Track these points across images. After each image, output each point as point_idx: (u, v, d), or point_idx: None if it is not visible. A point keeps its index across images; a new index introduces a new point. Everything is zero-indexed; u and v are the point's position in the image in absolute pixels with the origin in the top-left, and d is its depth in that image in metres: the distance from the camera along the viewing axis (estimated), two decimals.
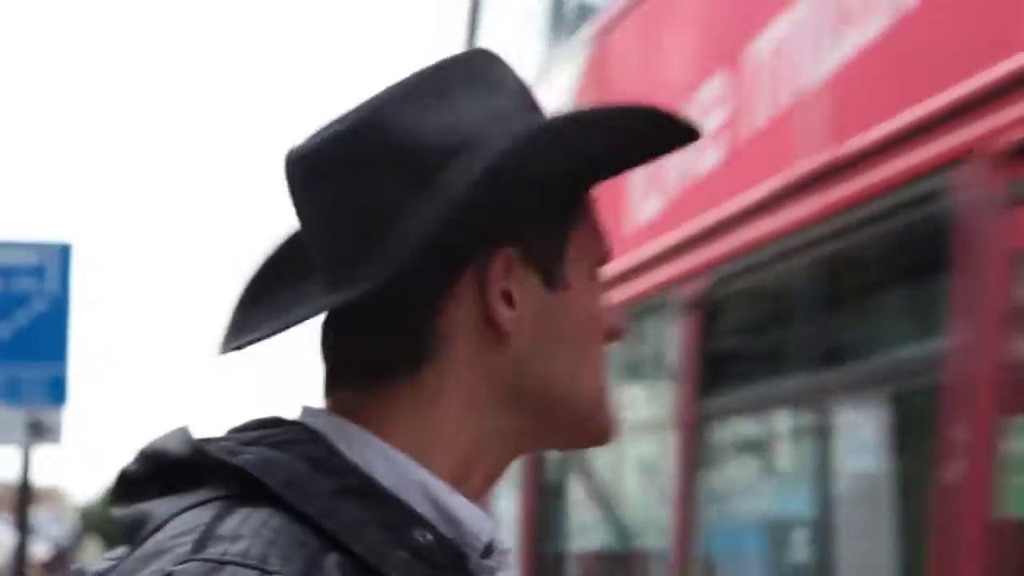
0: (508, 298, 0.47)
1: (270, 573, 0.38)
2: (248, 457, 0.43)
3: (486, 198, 0.44)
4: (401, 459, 0.45)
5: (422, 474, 0.45)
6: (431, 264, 0.45)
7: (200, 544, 0.39)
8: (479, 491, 0.50)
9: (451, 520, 0.45)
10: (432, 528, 0.44)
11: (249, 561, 0.38)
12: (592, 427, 0.52)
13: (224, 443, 0.45)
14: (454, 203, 0.43)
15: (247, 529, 0.39)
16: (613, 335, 0.53)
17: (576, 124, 0.52)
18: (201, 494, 0.43)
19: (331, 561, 0.40)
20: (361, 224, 0.46)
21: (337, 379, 0.48)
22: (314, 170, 0.47)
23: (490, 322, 0.47)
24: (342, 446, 0.45)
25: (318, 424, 0.46)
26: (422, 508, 0.45)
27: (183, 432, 0.47)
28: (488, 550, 0.48)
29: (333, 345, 0.48)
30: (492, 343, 0.48)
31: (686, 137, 0.55)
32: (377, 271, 0.43)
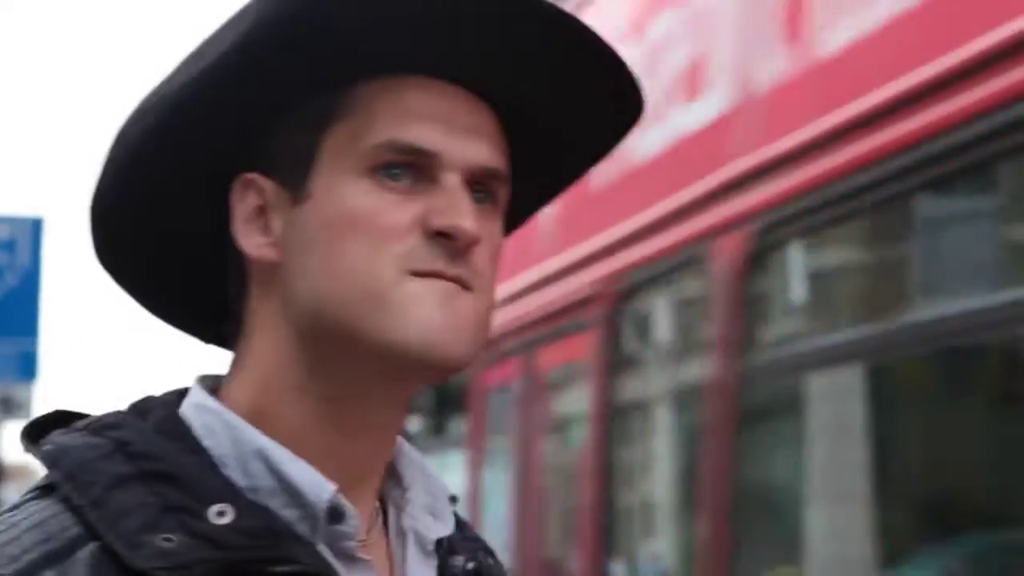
0: (265, 219, 0.45)
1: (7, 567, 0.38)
2: (49, 447, 0.43)
3: (192, 127, 0.45)
4: (240, 426, 0.43)
5: (262, 441, 0.43)
6: (173, 193, 0.46)
7: None
8: (333, 434, 0.45)
9: (290, 489, 0.43)
10: (245, 503, 0.42)
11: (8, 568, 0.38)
12: (391, 337, 0.43)
13: (77, 427, 0.45)
14: (148, 126, 0.45)
15: (13, 530, 0.40)
16: (435, 233, 0.44)
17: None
18: (42, 480, 0.44)
19: (85, 552, 0.39)
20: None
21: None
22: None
23: (248, 256, 0.45)
24: (194, 419, 0.44)
25: (190, 398, 0.46)
26: (262, 479, 0.43)
27: (55, 414, 0.47)
28: (337, 514, 0.44)
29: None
30: (269, 279, 0.45)
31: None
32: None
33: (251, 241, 0.45)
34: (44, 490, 0.42)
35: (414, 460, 0.52)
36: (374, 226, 0.43)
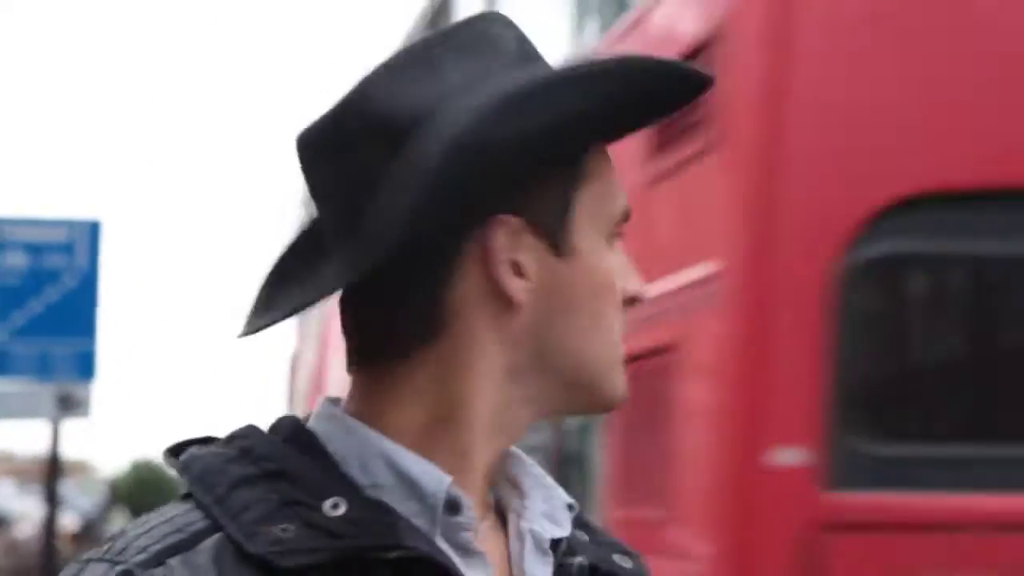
0: (517, 268, 0.47)
1: (116, 563, 0.42)
2: (184, 456, 0.49)
3: (462, 163, 0.44)
4: (364, 430, 0.48)
5: (384, 443, 0.47)
6: (424, 236, 0.45)
7: (105, 544, 0.46)
8: (472, 449, 0.50)
9: (408, 481, 0.47)
10: (353, 496, 0.45)
11: (107, 556, 0.43)
12: (602, 394, 0.53)
13: (212, 440, 0.51)
14: (427, 171, 0.43)
15: (144, 526, 0.46)
16: (630, 300, 0.52)
17: (564, 79, 0.50)
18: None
19: (208, 543, 0.43)
20: (349, 199, 0.46)
21: (353, 358, 0.50)
22: (312, 149, 0.48)
23: (499, 293, 0.47)
24: (319, 427, 0.49)
25: (317, 410, 0.51)
26: (381, 476, 0.47)
27: (199, 438, 0.53)
28: (454, 505, 0.47)
29: (346, 324, 0.50)
30: (504, 313, 0.48)
31: (692, 91, 0.53)
32: (366, 247, 0.45)
33: (511, 284, 0.47)
34: (182, 498, 0.48)
35: (533, 471, 0.56)
36: (618, 294, 0.50)
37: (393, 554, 0.45)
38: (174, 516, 0.46)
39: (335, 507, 0.45)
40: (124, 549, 0.45)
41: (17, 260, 7.77)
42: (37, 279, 7.71)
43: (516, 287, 0.47)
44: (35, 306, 7.76)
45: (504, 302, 0.48)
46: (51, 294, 7.77)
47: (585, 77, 0.51)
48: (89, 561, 0.45)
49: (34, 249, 7.73)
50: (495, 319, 0.48)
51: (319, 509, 0.45)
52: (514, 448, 0.56)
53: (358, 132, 0.46)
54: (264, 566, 0.43)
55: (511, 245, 0.47)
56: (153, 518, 0.48)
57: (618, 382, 0.53)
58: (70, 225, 7.88)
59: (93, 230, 7.87)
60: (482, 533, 0.52)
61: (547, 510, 0.55)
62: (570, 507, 0.56)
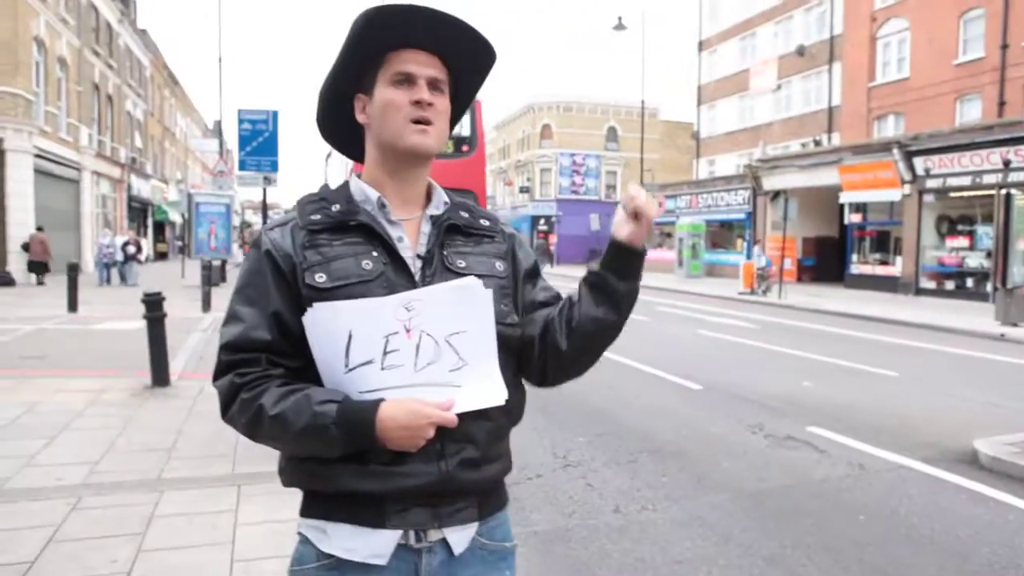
0: (363, 109, 1.33)
1: (262, 229, 1.33)
2: (305, 195, 1.35)
3: (337, 82, 1.34)
4: (360, 182, 1.34)
5: (363, 184, 1.33)
6: (339, 108, 1.37)
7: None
8: (387, 179, 1.33)
9: (367, 198, 1.31)
10: (346, 204, 1.30)
11: (264, 227, 1.33)
12: (400, 146, 1.29)
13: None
14: (324, 86, 1.36)
15: (279, 217, 1.38)
16: (400, 107, 1.27)
17: (347, 41, 1.29)
18: None
19: (290, 224, 1.29)
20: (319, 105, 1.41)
21: (352, 155, 1.42)
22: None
23: (361, 122, 1.34)
24: (351, 181, 1.35)
25: (352, 174, 1.37)
26: (361, 196, 1.31)
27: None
28: (383, 205, 1.30)
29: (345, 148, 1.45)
30: (368, 130, 1.34)
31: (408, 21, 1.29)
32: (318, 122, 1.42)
33: (360, 116, 1.34)
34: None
35: (437, 190, 1.39)
36: (395, 103, 1.28)
37: (353, 221, 1.27)
38: (287, 213, 1.36)
39: (337, 206, 1.29)
40: (266, 224, 1.32)
41: (246, 127, 19.08)
42: (255, 134, 19.10)
43: (362, 117, 1.34)
44: (255, 143, 19.26)
45: (365, 123, 1.34)
46: (260, 139, 19.23)
47: (353, 31, 1.27)
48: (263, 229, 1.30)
49: (252, 122, 19.00)
50: (367, 129, 1.34)
51: (330, 209, 1.29)
52: (433, 182, 1.38)
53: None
54: (305, 229, 1.27)
55: (360, 104, 1.34)
56: (285, 215, 1.33)
57: (406, 142, 1.28)
58: (267, 112, 19.06)
59: (275, 114, 18.99)
60: (412, 218, 1.34)
61: (437, 203, 1.37)
62: (446, 203, 1.37)
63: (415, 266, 1.28)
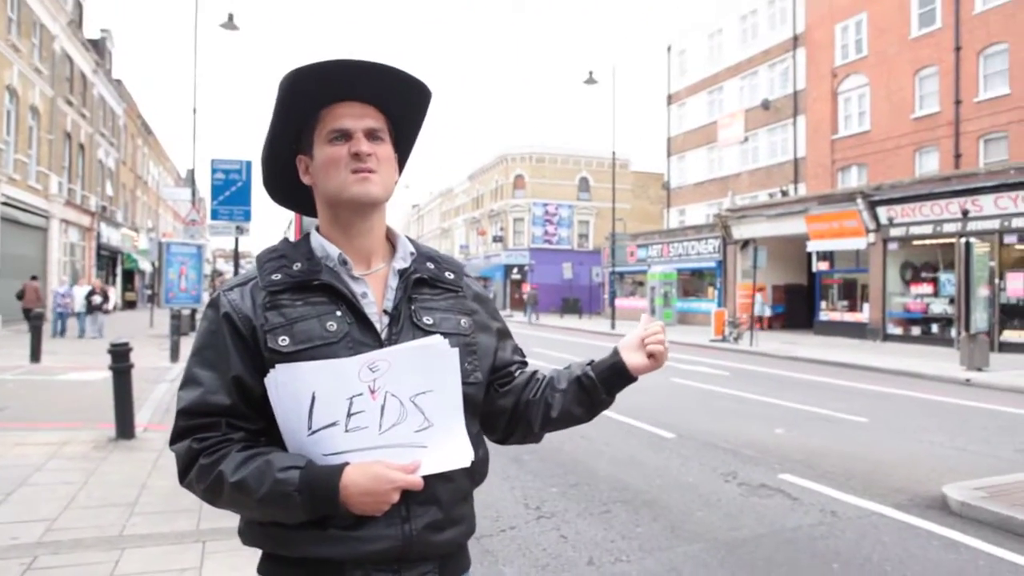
0: (306, 169, 1.33)
1: (219, 289, 1.28)
2: (259, 252, 1.33)
3: (275, 146, 1.34)
4: (319, 236, 1.32)
5: (323, 240, 1.30)
6: (282, 171, 1.37)
7: None
8: (343, 235, 1.30)
9: (328, 255, 1.29)
10: (307, 262, 1.27)
11: (220, 288, 1.27)
12: (345, 200, 1.27)
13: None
14: (264, 153, 1.35)
15: (237, 277, 1.32)
16: (353, 155, 1.25)
17: (274, 112, 1.28)
18: None
19: (251, 283, 1.26)
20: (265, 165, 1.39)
21: (307, 212, 1.40)
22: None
23: (306, 182, 1.33)
24: (312, 236, 1.33)
25: (313, 230, 1.34)
26: (321, 253, 1.28)
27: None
28: (344, 261, 1.28)
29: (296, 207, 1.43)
30: (315, 188, 1.33)
31: (324, 81, 1.26)
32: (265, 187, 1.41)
33: (305, 177, 1.34)
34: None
35: (401, 240, 1.36)
36: (334, 159, 1.26)
37: (316, 281, 1.24)
38: (247, 272, 1.28)
39: (298, 265, 1.26)
40: (224, 284, 1.27)
41: (219, 176, 19.12)
42: (229, 183, 19.11)
43: (307, 178, 1.33)
44: (227, 192, 19.26)
45: (310, 183, 1.33)
46: (233, 189, 19.24)
47: (279, 96, 1.26)
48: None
49: (225, 172, 19.06)
50: (314, 188, 1.33)
51: (291, 268, 1.25)
52: (394, 231, 1.35)
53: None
54: (266, 290, 1.23)
55: (302, 165, 1.33)
56: (242, 275, 1.28)
57: (348, 192, 1.25)
58: (240, 162, 19.15)
59: (248, 165, 19.10)
60: (376, 271, 1.30)
61: (403, 255, 1.33)
62: (412, 254, 1.34)
63: (381, 323, 1.26)
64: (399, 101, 1.34)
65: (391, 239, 1.38)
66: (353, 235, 1.31)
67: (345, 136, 1.27)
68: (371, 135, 1.29)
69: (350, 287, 1.26)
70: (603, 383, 1.38)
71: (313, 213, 1.40)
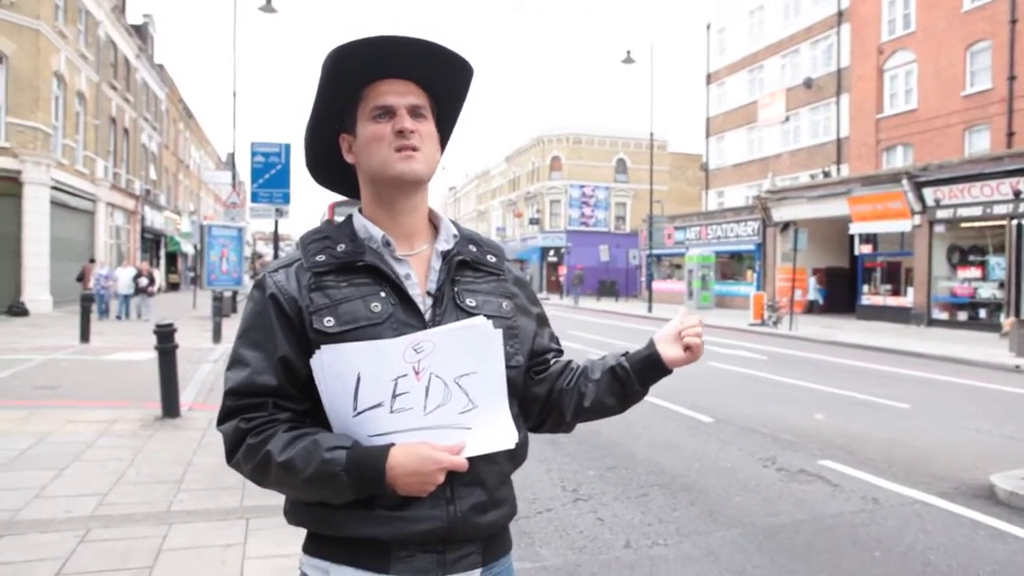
0: (349, 148, 1.32)
1: (264, 270, 1.27)
2: (302, 233, 1.34)
3: (318, 125, 1.33)
4: (362, 218, 1.31)
5: (365, 221, 1.30)
6: (325, 150, 1.36)
7: None
8: (386, 214, 1.30)
9: (371, 236, 1.28)
10: (350, 243, 1.26)
11: (266, 270, 1.29)
12: (388, 176, 1.26)
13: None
14: (307, 133, 1.35)
15: (279, 259, 1.31)
16: (397, 132, 1.24)
17: (319, 85, 1.28)
18: None
19: (295, 264, 1.27)
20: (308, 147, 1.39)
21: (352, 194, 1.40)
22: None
23: (349, 160, 1.33)
24: (354, 217, 1.32)
25: (355, 213, 1.33)
26: (364, 234, 1.28)
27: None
28: (388, 243, 1.27)
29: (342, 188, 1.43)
30: (357, 167, 1.33)
31: (378, 57, 1.24)
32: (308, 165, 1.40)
33: (348, 156, 1.34)
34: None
35: (444, 222, 1.36)
36: (378, 136, 1.26)
37: (359, 261, 1.23)
38: (291, 254, 1.28)
39: (342, 246, 1.26)
40: (268, 265, 1.28)
41: (259, 159, 19.36)
42: (269, 166, 19.36)
43: (350, 157, 1.33)
44: (267, 175, 19.52)
45: (353, 162, 1.32)
46: (272, 172, 19.48)
47: (326, 67, 1.25)
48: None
49: (264, 155, 19.29)
50: (357, 167, 1.32)
51: (334, 249, 1.26)
52: (438, 212, 1.36)
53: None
54: (310, 271, 1.24)
55: (345, 143, 1.32)
56: (287, 255, 1.25)
57: (393, 170, 1.25)
58: (280, 145, 19.33)
59: (287, 147, 19.26)
60: (419, 252, 1.30)
61: (445, 237, 1.33)
62: (455, 236, 1.33)
63: (425, 305, 1.26)
64: (441, 78, 1.34)
65: (433, 220, 1.38)
66: (396, 213, 1.31)
67: (388, 113, 1.27)
68: (414, 112, 1.29)
69: (394, 268, 1.26)
70: (637, 374, 1.38)
71: (355, 194, 1.40)
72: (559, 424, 1.45)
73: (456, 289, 1.30)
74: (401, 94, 1.28)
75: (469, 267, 1.34)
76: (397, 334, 1.19)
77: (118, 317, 20.14)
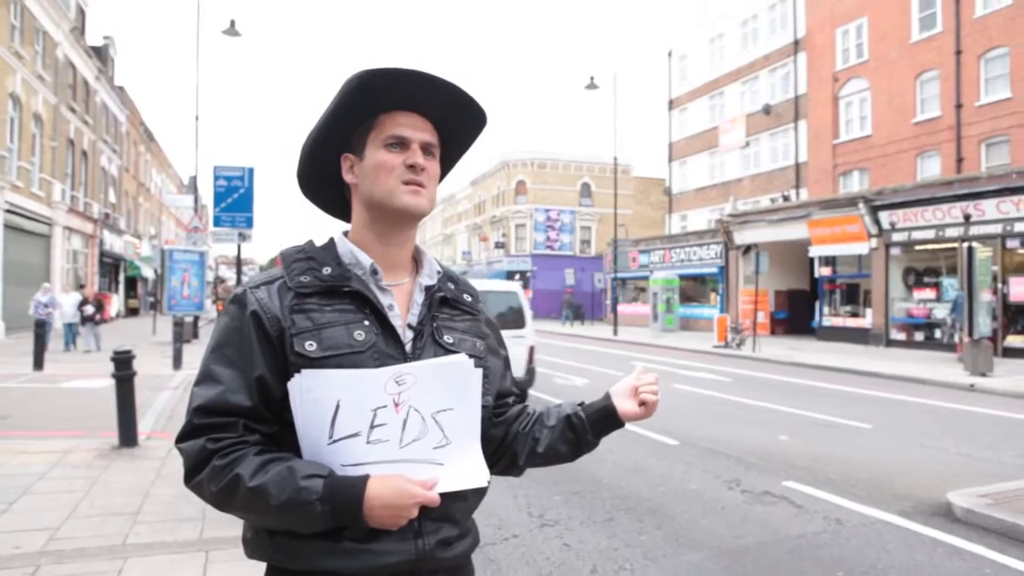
0: (350, 168, 1.30)
1: (244, 287, 1.23)
2: (283, 250, 1.28)
3: (323, 140, 1.30)
4: (347, 241, 1.30)
5: (350, 246, 1.28)
6: (322, 165, 1.34)
7: None
8: (377, 241, 1.28)
9: (358, 262, 1.26)
10: (336, 267, 1.24)
11: (243, 285, 1.24)
12: (393, 207, 1.25)
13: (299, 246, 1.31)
14: (308, 142, 1.32)
15: (262, 275, 1.28)
16: (408, 167, 1.24)
17: (332, 106, 1.26)
18: None
19: (277, 283, 1.23)
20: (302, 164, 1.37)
21: (340, 216, 1.40)
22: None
23: (349, 179, 1.31)
24: (337, 240, 1.30)
25: (338, 235, 1.32)
26: (350, 259, 1.26)
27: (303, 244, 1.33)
28: (375, 271, 1.26)
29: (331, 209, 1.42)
30: (355, 189, 1.31)
31: (400, 88, 1.24)
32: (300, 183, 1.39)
33: (348, 176, 1.32)
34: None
35: (427, 257, 1.37)
36: (388, 166, 1.26)
37: (345, 287, 1.22)
38: (272, 272, 1.26)
39: (328, 269, 1.23)
40: (249, 281, 1.23)
41: (222, 183, 19.15)
42: (231, 191, 19.16)
43: (350, 177, 1.31)
44: (230, 199, 19.30)
45: (352, 183, 1.31)
46: (235, 196, 19.28)
47: (343, 88, 1.24)
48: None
49: (227, 179, 19.10)
50: (354, 189, 1.31)
51: (320, 271, 1.23)
52: (421, 247, 1.36)
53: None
54: (294, 291, 1.21)
55: (347, 163, 1.31)
56: (266, 273, 1.25)
57: (399, 202, 1.25)
58: (242, 169, 19.17)
59: (251, 172, 19.10)
60: (400, 284, 1.30)
61: (428, 272, 1.34)
62: (439, 272, 1.35)
63: (406, 337, 1.26)
64: (456, 124, 1.36)
65: (415, 255, 1.39)
66: (387, 243, 1.31)
67: (402, 145, 1.28)
68: (426, 149, 1.30)
69: (378, 297, 1.26)
70: (592, 425, 1.40)
71: (337, 212, 1.41)
72: (511, 467, 1.46)
73: (435, 325, 1.31)
74: (418, 129, 1.30)
75: (448, 304, 1.35)
76: (378, 364, 1.19)
77: (65, 348, 17.94)
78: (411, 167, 1.26)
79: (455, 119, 1.35)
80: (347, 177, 1.33)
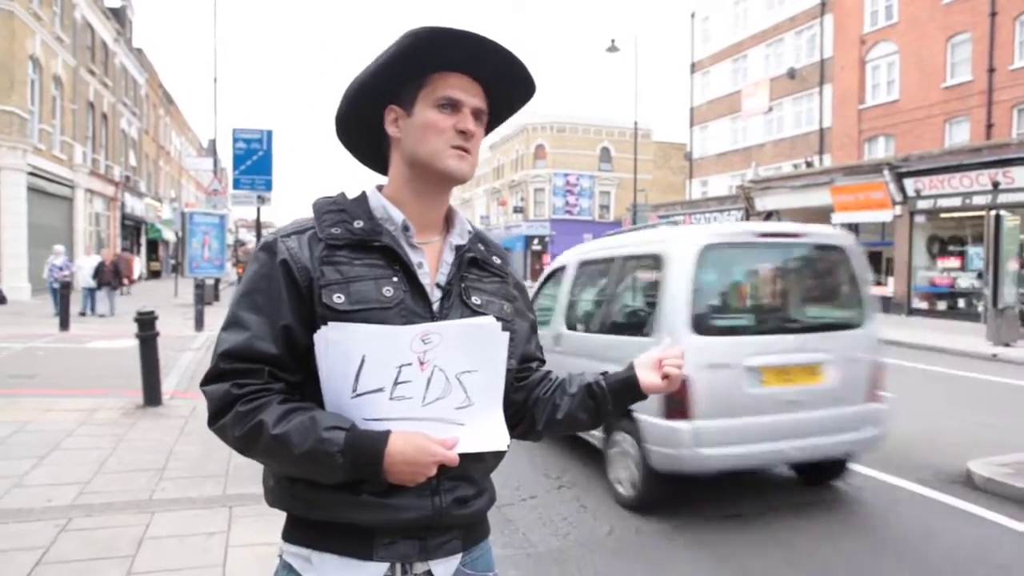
0: (395, 123, 1.27)
1: (275, 234, 1.24)
2: (314, 200, 1.28)
3: (370, 88, 1.26)
4: (380, 195, 1.29)
5: (383, 201, 1.27)
6: (364, 113, 1.30)
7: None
8: (413, 199, 1.28)
9: (390, 217, 1.26)
10: (368, 221, 1.24)
11: (276, 234, 1.24)
12: (436, 168, 1.24)
13: (331, 196, 1.30)
14: (353, 87, 1.28)
15: (291, 224, 1.27)
16: (460, 131, 1.22)
17: (391, 52, 1.22)
18: None
19: (308, 233, 1.23)
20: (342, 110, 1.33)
21: (376, 168, 1.38)
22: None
23: (392, 134, 1.26)
24: (369, 195, 1.30)
25: (370, 189, 1.31)
26: (382, 214, 1.26)
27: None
28: (407, 227, 1.25)
29: (369, 160, 1.39)
30: (397, 144, 1.28)
31: (458, 51, 1.21)
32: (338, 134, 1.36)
33: (391, 128, 1.28)
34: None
35: (459, 217, 1.37)
36: (438, 126, 1.24)
37: (376, 242, 1.22)
38: (302, 222, 1.24)
39: (359, 222, 1.24)
40: (280, 230, 1.24)
41: (241, 145, 19.14)
42: (250, 153, 19.14)
43: (393, 129, 1.28)
44: (249, 162, 19.31)
45: (395, 137, 1.27)
46: (254, 158, 19.29)
47: (399, 43, 1.20)
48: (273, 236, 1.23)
49: (246, 141, 19.07)
50: (396, 143, 1.29)
51: (351, 224, 1.23)
52: (453, 207, 1.35)
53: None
54: (324, 242, 1.20)
55: (392, 116, 1.27)
56: (297, 222, 1.25)
57: (443, 164, 1.24)
58: (261, 131, 19.11)
59: (269, 134, 19.08)
60: (431, 242, 1.29)
61: (459, 232, 1.34)
62: (469, 232, 1.35)
63: (434, 296, 1.26)
64: (506, 91, 1.34)
65: (448, 214, 1.37)
66: (423, 202, 1.30)
67: (453, 107, 1.26)
68: (476, 115, 1.29)
69: (408, 254, 1.25)
70: (613, 394, 1.40)
71: (371, 162, 1.40)
72: (529, 431, 1.46)
73: (464, 285, 1.30)
74: (470, 93, 1.28)
75: (477, 265, 1.34)
76: (404, 322, 1.19)
77: (82, 313, 17.27)
78: (461, 132, 1.25)
79: (505, 86, 1.33)
80: (390, 129, 1.30)
